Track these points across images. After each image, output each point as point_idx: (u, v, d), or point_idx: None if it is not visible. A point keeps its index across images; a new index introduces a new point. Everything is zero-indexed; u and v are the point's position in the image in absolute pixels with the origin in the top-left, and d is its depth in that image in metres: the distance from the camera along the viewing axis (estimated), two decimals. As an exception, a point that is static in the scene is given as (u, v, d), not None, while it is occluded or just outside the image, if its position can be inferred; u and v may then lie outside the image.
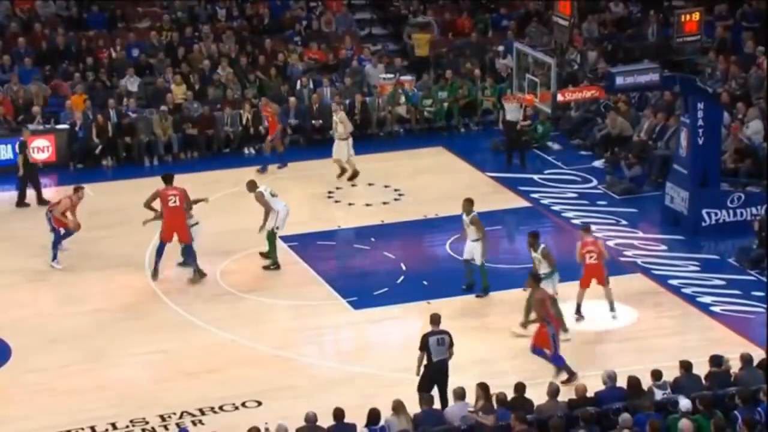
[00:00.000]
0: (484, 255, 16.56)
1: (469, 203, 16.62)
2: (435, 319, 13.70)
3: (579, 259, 16.05)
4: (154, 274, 17.35)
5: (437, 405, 12.89)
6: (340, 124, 21.00)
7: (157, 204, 17.40)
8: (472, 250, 16.62)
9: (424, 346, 13.50)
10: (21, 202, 20.41)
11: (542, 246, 16.02)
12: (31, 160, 20.54)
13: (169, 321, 16.27)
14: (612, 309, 16.08)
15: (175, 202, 17.24)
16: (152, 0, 26.13)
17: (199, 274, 17.33)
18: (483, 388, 12.45)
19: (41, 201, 20.06)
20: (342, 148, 20.87)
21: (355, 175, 20.80)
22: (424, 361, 13.51)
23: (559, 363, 14.46)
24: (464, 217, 16.64)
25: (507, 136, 22.06)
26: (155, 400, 14.34)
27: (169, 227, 17.31)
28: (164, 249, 17.30)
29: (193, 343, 15.70)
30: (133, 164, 22.29)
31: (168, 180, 17.62)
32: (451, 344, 13.54)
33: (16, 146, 20.90)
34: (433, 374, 13.48)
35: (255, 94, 23.62)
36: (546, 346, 14.52)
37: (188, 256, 17.44)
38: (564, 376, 14.32)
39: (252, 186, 17.93)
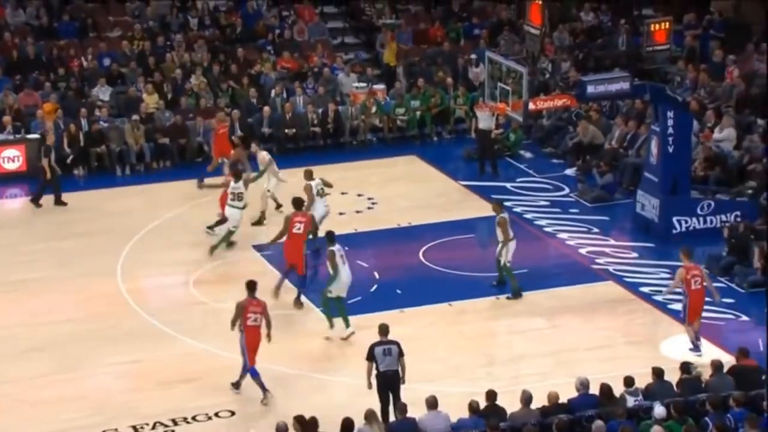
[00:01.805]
0: (506, 257, 16.83)
1: (498, 206, 17.07)
2: (383, 330, 13.73)
3: (680, 285, 15.27)
4: (276, 290, 16.78)
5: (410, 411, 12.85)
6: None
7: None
8: (500, 251, 16.95)
9: (371, 356, 13.53)
10: None
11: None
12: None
13: (143, 331, 16.19)
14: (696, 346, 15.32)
15: (299, 229, 16.74)
16: (123, 9, 26.04)
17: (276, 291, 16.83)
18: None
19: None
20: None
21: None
22: (374, 371, 13.53)
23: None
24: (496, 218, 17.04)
25: (480, 144, 22.16)
26: (128, 411, 14.27)
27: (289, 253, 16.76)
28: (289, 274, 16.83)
29: (166, 353, 15.63)
30: (105, 173, 22.19)
31: (297, 205, 16.95)
32: (401, 354, 13.51)
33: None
34: (383, 384, 13.51)
35: (228, 103, 23.60)
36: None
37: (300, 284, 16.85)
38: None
39: (308, 176, 18.15)
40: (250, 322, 14.28)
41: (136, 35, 25.05)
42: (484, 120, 21.62)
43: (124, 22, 25.66)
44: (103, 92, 23.50)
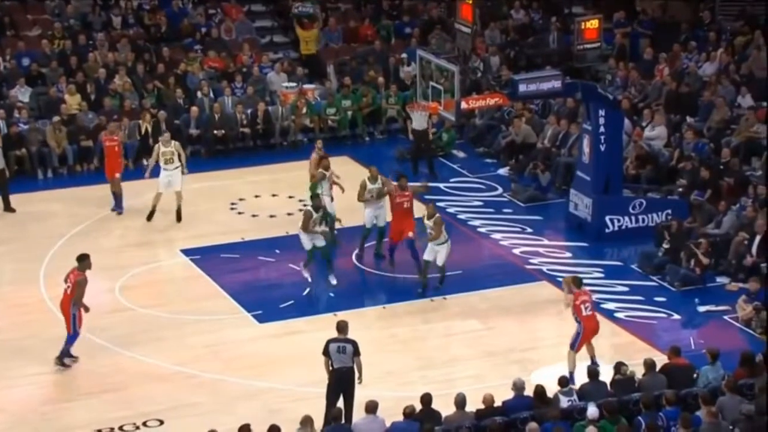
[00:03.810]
0: (444, 257, 16.81)
1: (432, 207, 16.98)
2: (340, 327, 13.54)
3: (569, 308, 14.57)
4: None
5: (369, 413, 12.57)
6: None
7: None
8: (435, 252, 16.82)
9: (326, 351, 13.37)
10: None
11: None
12: None
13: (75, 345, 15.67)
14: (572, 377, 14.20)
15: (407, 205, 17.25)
16: (43, 7, 25.35)
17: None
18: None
19: None
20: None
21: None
22: (330, 367, 13.36)
23: None
24: (425, 220, 16.88)
25: (416, 145, 21.94)
26: (50, 423, 13.90)
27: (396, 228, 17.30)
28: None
29: (90, 362, 15.22)
30: (26, 177, 21.58)
31: (403, 181, 17.57)
32: (356, 353, 13.31)
33: None
34: (336, 382, 13.31)
35: (153, 103, 23.10)
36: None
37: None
38: None
39: (322, 172, 18.31)
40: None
41: (56, 34, 24.42)
42: (418, 120, 21.44)
43: (43, 21, 25.00)
44: (22, 93, 22.87)
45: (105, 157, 20.11)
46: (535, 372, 14.69)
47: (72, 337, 14.99)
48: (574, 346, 14.50)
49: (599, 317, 15.00)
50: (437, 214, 16.88)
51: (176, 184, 19.31)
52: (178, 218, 19.39)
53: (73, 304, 14.87)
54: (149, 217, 19.40)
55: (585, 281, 17.18)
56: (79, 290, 14.88)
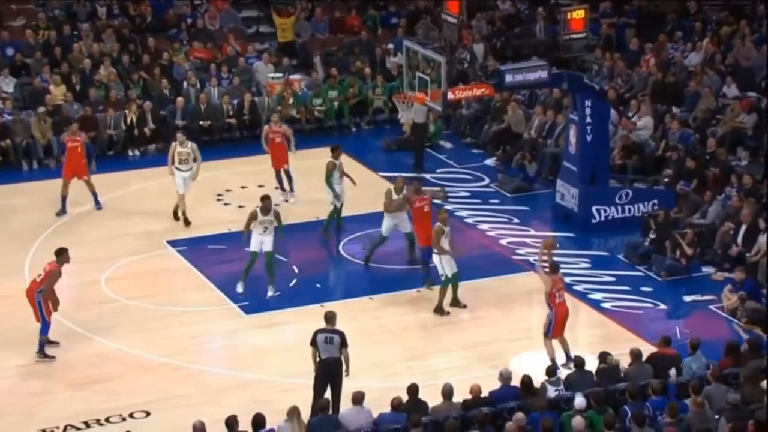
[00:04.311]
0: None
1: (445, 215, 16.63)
2: (328, 318, 13.52)
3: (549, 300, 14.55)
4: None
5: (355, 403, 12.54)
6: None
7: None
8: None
9: (314, 342, 13.34)
10: None
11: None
12: None
13: (52, 330, 15.51)
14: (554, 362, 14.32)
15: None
16: (27, -3, 25.26)
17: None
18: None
19: None
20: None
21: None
22: (317, 358, 13.35)
23: None
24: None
25: (417, 138, 21.64)
26: (36, 414, 13.83)
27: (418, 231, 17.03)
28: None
29: (77, 354, 15.16)
30: (11, 168, 21.44)
31: (419, 185, 17.33)
32: (344, 345, 13.30)
33: None
34: (323, 373, 13.30)
35: (139, 94, 22.99)
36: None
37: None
38: None
39: (334, 162, 18.25)
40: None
41: (41, 24, 24.25)
42: (418, 113, 21.14)
43: (27, 11, 24.83)
44: (6, 84, 22.70)
45: (66, 158, 19.47)
46: (513, 360, 14.71)
47: (44, 327, 14.89)
48: (549, 334, 14.61)
49: (585, 306, 15.04)
50: (438, 225, 16.29)
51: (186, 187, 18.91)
52: (176, 218, 19.03)
53: (38, 292, 14.75)
54: (177, 218, 18.97)
55: (572, 271, 17.35)
56: (49, 281, 14.82)
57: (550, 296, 14.58)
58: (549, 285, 14.60)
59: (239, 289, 16.71)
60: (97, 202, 19.59)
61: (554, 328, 14.58)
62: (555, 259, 17.59)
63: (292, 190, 20.01)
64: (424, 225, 16.97)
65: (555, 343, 14.68)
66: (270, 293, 16.66)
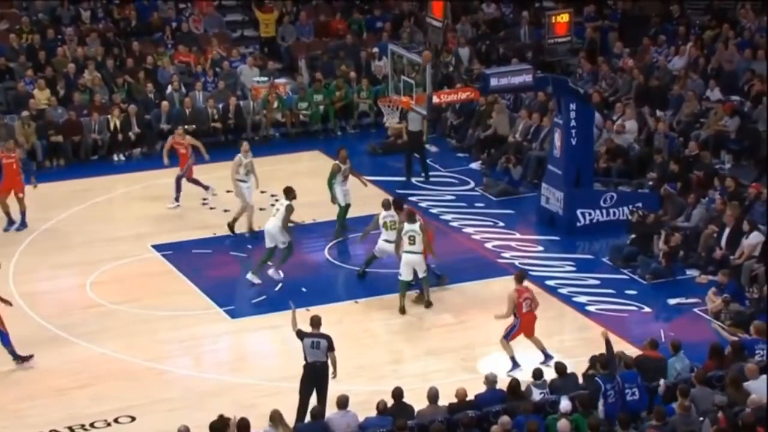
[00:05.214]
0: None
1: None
2: (314, 322, 13.52)
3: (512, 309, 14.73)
4: None
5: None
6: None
7: None
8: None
9: (300, 338, 13.34)
10: None
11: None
12: None
13: (36, 335, 15.59)
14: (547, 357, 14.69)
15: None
16: (10, 1, 25.08)
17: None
18: None
19: None
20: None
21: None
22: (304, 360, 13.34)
23: None
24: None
25: (413, 146, 21.51)
26: (20, 420, 13.78)
27: None
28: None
29: (61, 358, 15.11)
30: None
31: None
32: (330, 348, 13.29)
33: None
34: (309, 376, 13.29)
35: (124, 98, 22.93)
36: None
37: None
38: None
39: (340, 165, 18.40)
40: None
41: (24, 28, 24.18)
42: (413, 121, 21.09)
43: (11, 15, 24.76)
44: (-11, 88, 22.70)
45: (3, 174, 18.82)
46: (481, 361, 14.76)
47: (3, 338, 14.68)
48: (508, 337, 14.80)
49: (570, 309, 15.03)
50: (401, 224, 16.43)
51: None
52: (232, 231, 18.75)
53: None
54: (233, 231, 18.71)
55: (556, 274, 17.40)
56: None
57: (518, 306, 14.76)
58: (513, 297, 14.75)
59: (276, 275, 16.91)
60: (23, 222, 18.95)
61: (513, 335, 14.79)
62: (535, 262, 17.74)
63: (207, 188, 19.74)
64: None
65: (527, 343, 14.76)
66: (252, 278, 16.95)
